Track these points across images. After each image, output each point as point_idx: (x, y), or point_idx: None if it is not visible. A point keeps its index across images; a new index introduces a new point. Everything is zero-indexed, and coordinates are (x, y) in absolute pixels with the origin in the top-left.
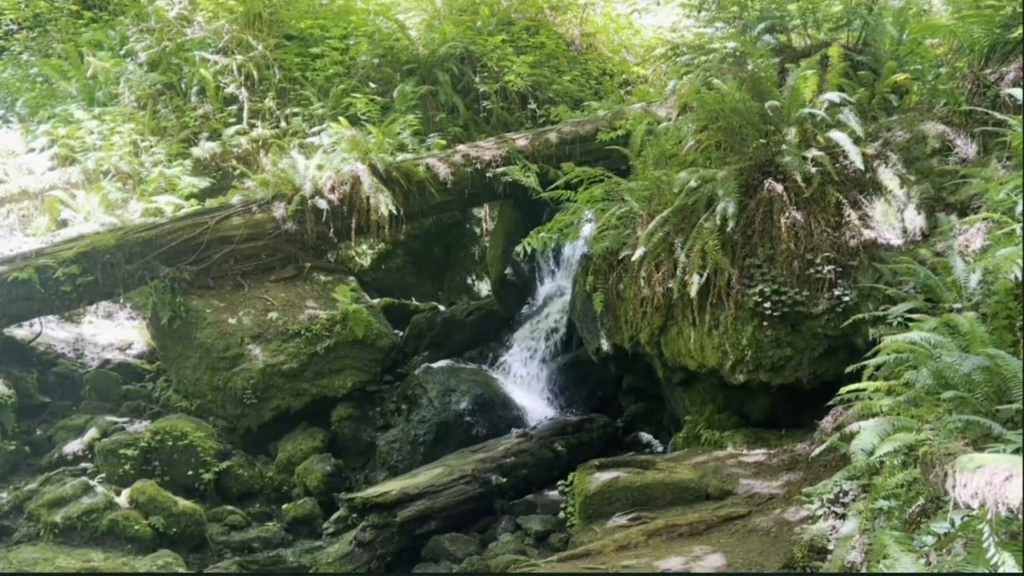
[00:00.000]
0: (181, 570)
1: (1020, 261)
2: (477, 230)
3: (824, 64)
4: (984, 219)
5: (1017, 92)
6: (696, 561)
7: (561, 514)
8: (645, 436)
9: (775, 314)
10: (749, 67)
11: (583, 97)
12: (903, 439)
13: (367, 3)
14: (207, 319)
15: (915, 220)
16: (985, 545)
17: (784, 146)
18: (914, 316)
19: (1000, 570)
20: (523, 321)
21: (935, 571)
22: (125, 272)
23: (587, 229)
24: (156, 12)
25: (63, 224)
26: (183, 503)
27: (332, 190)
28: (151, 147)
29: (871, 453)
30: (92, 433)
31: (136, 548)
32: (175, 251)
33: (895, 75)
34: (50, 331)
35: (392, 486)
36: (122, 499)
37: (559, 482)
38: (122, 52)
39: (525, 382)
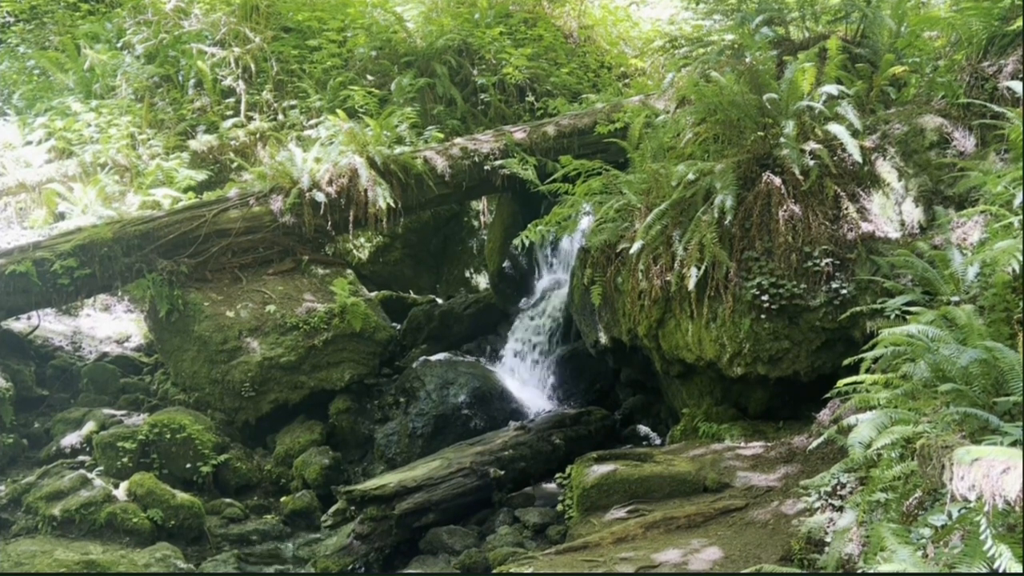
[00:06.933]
0: (179, 563)
1: (1018, 254)
2: (475, 223)
3: (822, 57)
4: (982, 212)
5: (1015, 85)
6: (693, 554)
7: (559, 506)
8: (643, 429)
9: (773, 307)
10: (747, 60)
11: (581, 90)
12: (900, 432)
13: None
14: (205, 312)
15: (913, 213)
16: (982, 537)
17: (782, 139)
18: (912, 309)
19: (997, 562)
20: (521, 314)
21: (932, 563)
22: (123, 265)
23: (585, 222)
24: (153, 4)
25: (60, 217)
26: (181, 496)
27: (330, 183)
28: (148, 140)
29: (868, 446)
30: (90, 426)
31: (134, 541)
32: (173, 244)
33: (893, 68)
34: (48, 324)
35: (390, 479)
36: (120, 492)
37: (557, 475)
38: (119, 44)
39: (523, 375)
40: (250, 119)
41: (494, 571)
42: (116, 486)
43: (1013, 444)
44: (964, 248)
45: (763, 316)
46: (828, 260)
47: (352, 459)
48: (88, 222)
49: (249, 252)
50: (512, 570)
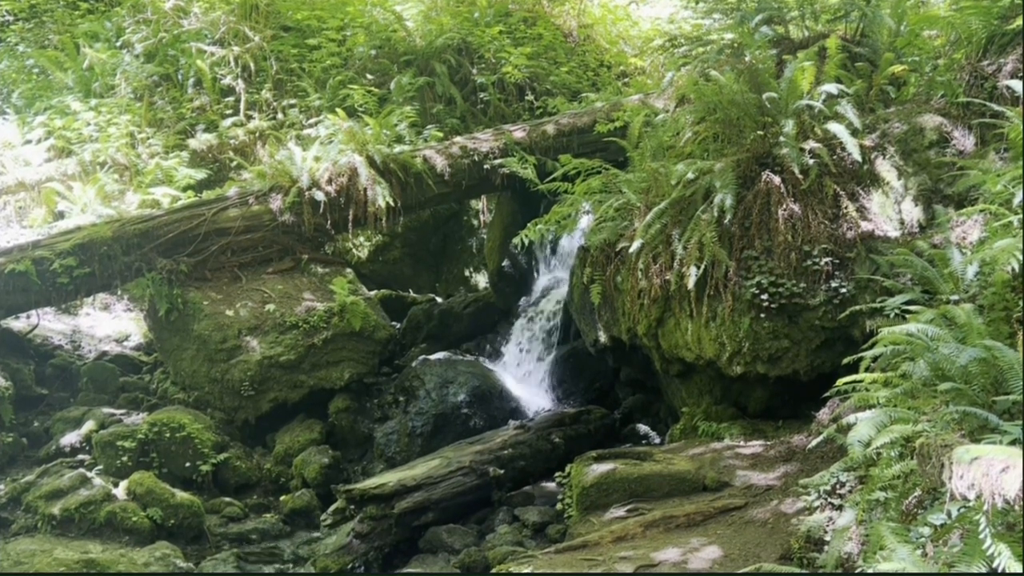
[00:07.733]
0: (179, 562)
1: (1017, 253)
2: (474, 222)
3: (822, 56)
4: (981, 211)
5: (1015, 84)
6: (693, 552)
7: (559, 505)
8: (642, 428)
9: (772, 306)
10: (747, 59)
11: (580, 89)
12: (900, 431)
13: None
14: (204, 311)
15: (912, 212)
16: (981, 536)
17: (782, 138)
18: (911, 308)
19: (996, 561)
20: (520, 313)
21: (932, 562)
22: (122, 264)
23: (585, 221)
24: (152, 3)
25: (60, 216)
26: (181, 495)
27: (329, 182)
28: (148, 139)
29: (868, 445)
30: (89, 425)
31: (134, 540)
32: (172, 243)
33: (893, 67)
34: (47, 323)
35: (389, 478)
36: (120, 491)
37: (556, 474)
38: (118, 43)
39: (522, 374)
40: (249, 118)
41: (493, 570)
42: (115, 485)
43: (1012, 443)
44: (963, 247)
45: (763, 315)
46: (828, 259)
47: (352, 458)
48: (87, 221)
49: (248, 251)
50: (511, 569)
